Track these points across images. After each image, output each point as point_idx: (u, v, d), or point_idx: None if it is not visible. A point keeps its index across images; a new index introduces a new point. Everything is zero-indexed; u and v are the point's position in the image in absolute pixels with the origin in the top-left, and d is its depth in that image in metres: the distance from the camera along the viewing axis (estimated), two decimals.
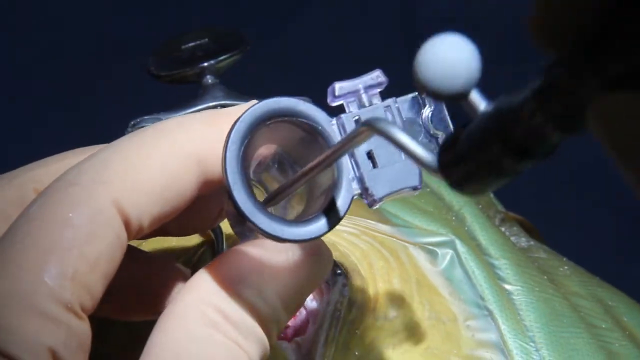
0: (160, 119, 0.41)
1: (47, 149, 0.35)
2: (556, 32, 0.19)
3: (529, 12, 0.20)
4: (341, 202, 0.29)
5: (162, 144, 0.30)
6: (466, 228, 0.43)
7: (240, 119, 0.29)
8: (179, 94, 0.44)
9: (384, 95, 0.30)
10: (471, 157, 0.22)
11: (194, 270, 0.31)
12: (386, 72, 0.30)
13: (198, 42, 0.46)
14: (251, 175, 0.31)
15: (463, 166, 0.23)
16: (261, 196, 0.31)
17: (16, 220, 0.28)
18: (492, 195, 0.44)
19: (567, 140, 0.21)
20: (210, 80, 0.43)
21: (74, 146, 0.33)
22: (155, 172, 0.29)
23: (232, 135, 0.28)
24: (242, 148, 0.28)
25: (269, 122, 0.29)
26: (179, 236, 0.36)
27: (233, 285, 0.29)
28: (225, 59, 0.44)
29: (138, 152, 0.29)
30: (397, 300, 0.38)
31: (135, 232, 0.29)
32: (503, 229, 0.46)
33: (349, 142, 0.27)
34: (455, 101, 0.22)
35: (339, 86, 0.30)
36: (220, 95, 0.42)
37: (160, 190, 0.29)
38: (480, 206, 0.44)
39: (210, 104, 0.42)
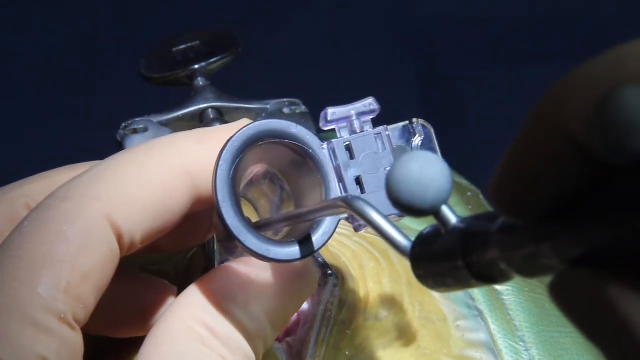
0: (151, 121, 0.42)
1: (41, 149, 0.36)
2: (516, 205, 0.19)
3: (489, 183, 0.20)
4: (327, 226, 0.30)
5: (154, 161, 0.30)
6: None
7: (232, 139, 0.29)
8: (170, 96, 0.44)
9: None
10: (438, 262, 0.23)
11: (184, 273, 0.32)
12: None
13: (189, 44, 0.46)
14: (240, 191, 0.31)
15: (430, 265, 0.24)
16: (249, 211, 0.31)
17: (10, 235, 0.29)
18: (481, 196, 0.45)
19: None
20: (201, 82, 0.43)
21: (64, 147, 0.34)
22: (148, 188, 0.29)
23: (223, 155, 0.29)
24: (233, 168, 0.29)
25: (260, 143, 0.29)
26: (170, 251, 0.37)
27: (221, 302, 0.29)
28: (216, 61, 0.44)
29: (130, 169, 0.30)
30: (388, 300, 0.38)
31: (127, 246, 0.29)
32: None
33: (324, 211, 0.28)
34: (426, 216, 0.22)
35: (332, 111, 0.30)
36: (211, 97, 0.42)
37: (152, 206, 0.29)
38: (470, 207, 0.45)
39: (202, 106, 0.42)
